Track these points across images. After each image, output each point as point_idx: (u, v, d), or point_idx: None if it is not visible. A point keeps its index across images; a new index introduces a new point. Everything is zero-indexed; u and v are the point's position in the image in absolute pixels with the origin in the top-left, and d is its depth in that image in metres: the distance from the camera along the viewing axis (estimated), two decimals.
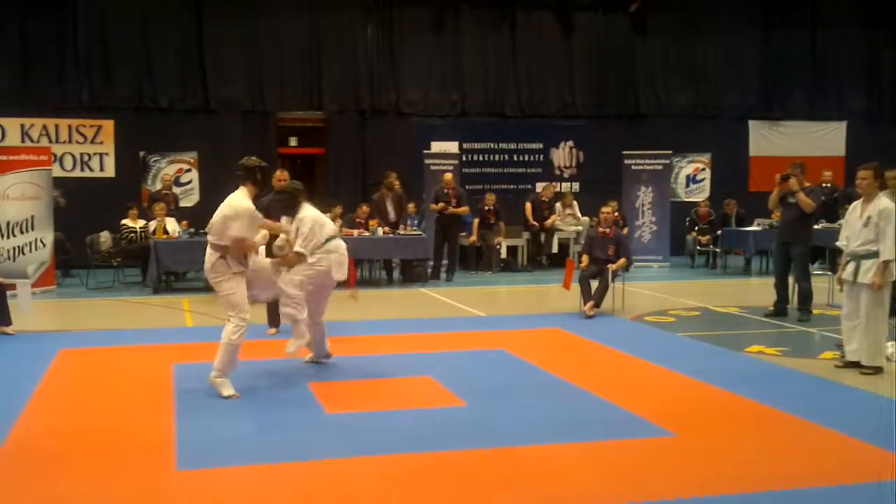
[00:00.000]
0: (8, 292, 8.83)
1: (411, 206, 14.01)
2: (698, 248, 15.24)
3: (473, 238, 14.34)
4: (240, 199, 6.30)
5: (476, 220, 14.37)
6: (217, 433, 5.39)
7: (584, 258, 10.25)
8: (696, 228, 15.28)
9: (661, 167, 15.80)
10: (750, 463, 4.89)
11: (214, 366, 6.20)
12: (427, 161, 14.73)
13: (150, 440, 5.26)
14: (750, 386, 6.54)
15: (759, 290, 11.85)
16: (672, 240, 15.68)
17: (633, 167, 15.71)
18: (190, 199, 14.95)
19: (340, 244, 7.05)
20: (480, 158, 16.61)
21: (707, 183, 17.69)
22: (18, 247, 11.62)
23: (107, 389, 6.54)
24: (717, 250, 14.93)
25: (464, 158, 15.83)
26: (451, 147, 15.79)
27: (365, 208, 13.32)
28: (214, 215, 6.31)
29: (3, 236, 11.52)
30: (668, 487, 4.50)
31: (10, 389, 6.42)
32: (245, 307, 6.27)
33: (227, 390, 6.17)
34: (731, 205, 15.52)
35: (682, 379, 6.91)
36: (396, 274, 13.52)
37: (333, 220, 12.87)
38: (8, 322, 8.66)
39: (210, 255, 6.29)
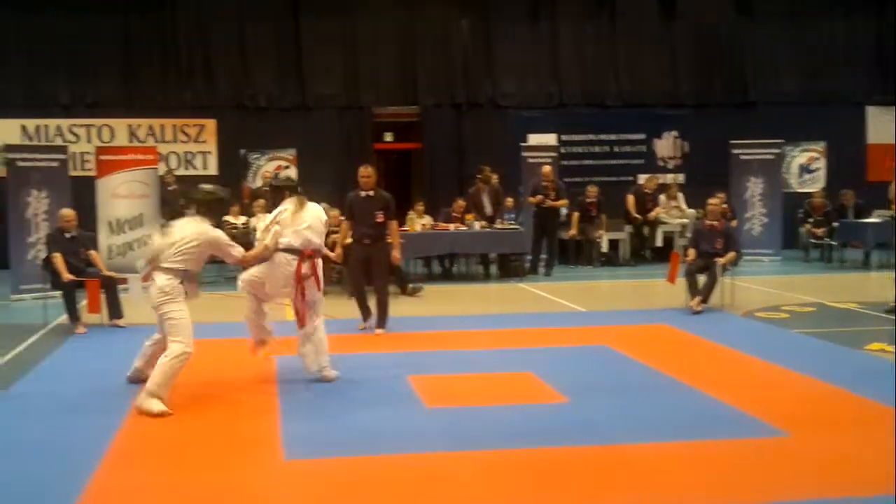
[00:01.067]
0: (119, 286, 9.15)
1: (509, 200, 13.83)
2: (812, 241, 14.56)
3: (573, 232, 14.06)
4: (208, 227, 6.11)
5: (576, 214, 14.07)
6: (321, 425, 5.42)
7: (691, 252, 9.89)
8: (811, 220, 14.59)
9: (771, 157, 15.14)
10: (869, 465, 4.61)
11: (148, 385, 5.77)
12: (524, 154, 14.52)
13: (256, 431, 5.34)
14: (870, 385, 6.17)
15: (879, 284, 11.20)
16: (784, 233, 15.04)
17: (741, 157, 15.10)
18: None
19: (287, 259, 6.40)
20: (580, 150, 16.30)
21: (822, 173, 16.87)
22: (128, 243, 12.07)
23: (213, 381, 6.65)
24: (834, 243, 14.22)
25: (562, 150, 15.56)
26: (549, 139, 15.56)
27: (461, 202, 13.23)
28: (179, 242, 5.97)
29: (113, 233, 11.98)
30: (781, 489, 4.31)
31: (122, 380, 6.60)
32: (191, 334, 5.96)
33: (158, 407, 5.67)
34: (848, 195, 14.72)
35: (795, 377, 6.60)
36: (493, 269, 13.38)
37: (418, 216, 12.88)
38: (120, 315, 8.99)
39: (163, 279, 5.92)
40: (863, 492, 4.21)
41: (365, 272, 8.49)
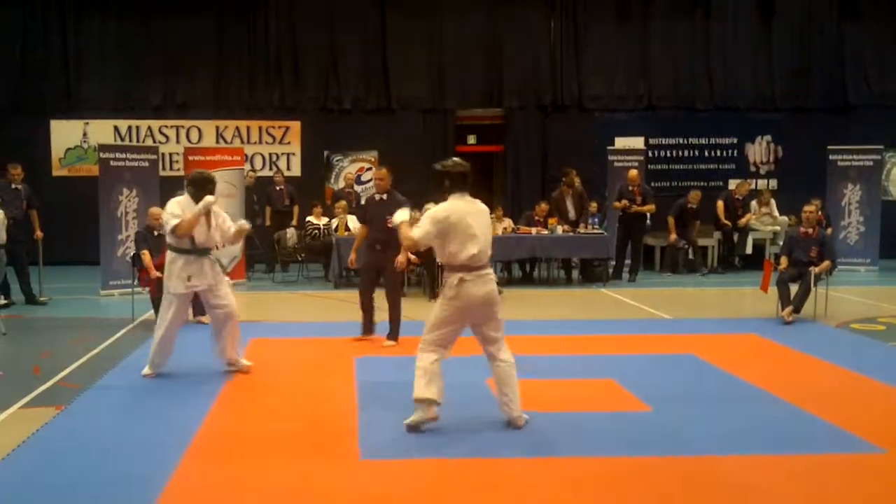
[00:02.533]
0: None
1: (593, 204, 13.58)
2: None
3: (673, 237, 13.71)
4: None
5: (671, 219, 13.70)
6: (398, 426, 5.36)
7: (784, 260, 9.51)
8: None
9: (871, 163, 14.47)
10: None
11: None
12: (610, 157, 14.26)
13: (334, 430, 5.35)
14: None
15: None
16: (882, 242, 14.37)
17: (839, 163, 14.49)
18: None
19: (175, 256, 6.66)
20: (668, 154, 15.92)
21: None
22: None
23: (293, 379, 6.72)
24: None
25: (650, 154, 15.21)
26: (637, 143, 15.24)
27: (543, 206, 13.06)
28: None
29: None
30: None
31: (207, 376, 6.73)
32: None
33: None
34: None
35: (892, 391, 6.29)
36: (576, 274, 13.15)
37: (497, 220, 12.68)
38: (204, 312, 9.09)
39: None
40: None
41: (376, 279, 8.13)
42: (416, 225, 5.39)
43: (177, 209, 6.56)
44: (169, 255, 6.73)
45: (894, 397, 6.13)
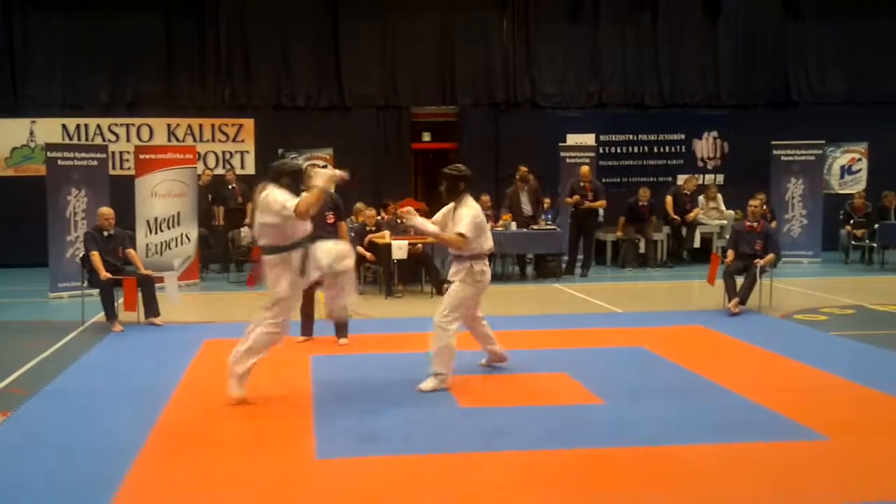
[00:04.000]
0: (156, 285, 9.23)
1: (546, 201, 13.77)
2: (853, 242, 14.33)
3: (620, 233, 14.00)
4: None
5: (622, 218, 13.99)
6: (354, 424, 5.42)
7: (730, 253, 9.77)
8: (851, 222, 14.36)
9: (813, 158, 14.90)
10: None
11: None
12: (563, 154, 14.45)
13: (290, 429, 5.36)
14: None
15: None
16: (824, 234, 14.79)
17: (782, 158, 14.88)
18: None
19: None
20: (618, 151, 16.19)
21: (863, 174, 16.58)
22: (165, 241, 12.21)
23: (248, 379, 6.66)
24: (875, 245, 13.97)
25: (601, 151, 15.46)
26: (588, 139, 15.48)
27: (484, 198, 13.07)
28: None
29: (151, 231, 12.13)
30: (820, 493, 4.27)
31: (160, 376, 6.71)
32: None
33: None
34: (889, 197, 14.46)
35: (835, 380, 6.51)
36: (530, 269, 13.32)
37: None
38: (156, 313, 9.07)
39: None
40: None
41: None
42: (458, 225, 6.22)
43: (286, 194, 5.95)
44: (273, 258, 5.89)
45: (836, 386, 6.34)
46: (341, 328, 7.98)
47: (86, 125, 15.11)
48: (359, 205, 12.50)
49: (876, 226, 13.92)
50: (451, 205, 6.44)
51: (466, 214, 6.23)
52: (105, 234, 9.13)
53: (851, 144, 16.52)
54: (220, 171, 14.98)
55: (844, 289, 11.42)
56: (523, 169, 13.13)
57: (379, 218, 12.11)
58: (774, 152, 14.89)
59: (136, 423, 5.42)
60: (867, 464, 4.63)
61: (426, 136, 16.41)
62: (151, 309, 9.05)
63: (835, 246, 14.90)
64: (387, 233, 11.47)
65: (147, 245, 12.00)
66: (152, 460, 4.80)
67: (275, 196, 5.75)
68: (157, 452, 4.94)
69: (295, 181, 5.91)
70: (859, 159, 16.63)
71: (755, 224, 9.80)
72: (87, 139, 14.91)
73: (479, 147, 15.84)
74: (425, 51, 15.75)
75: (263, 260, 5.91)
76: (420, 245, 11.25)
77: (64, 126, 15.04)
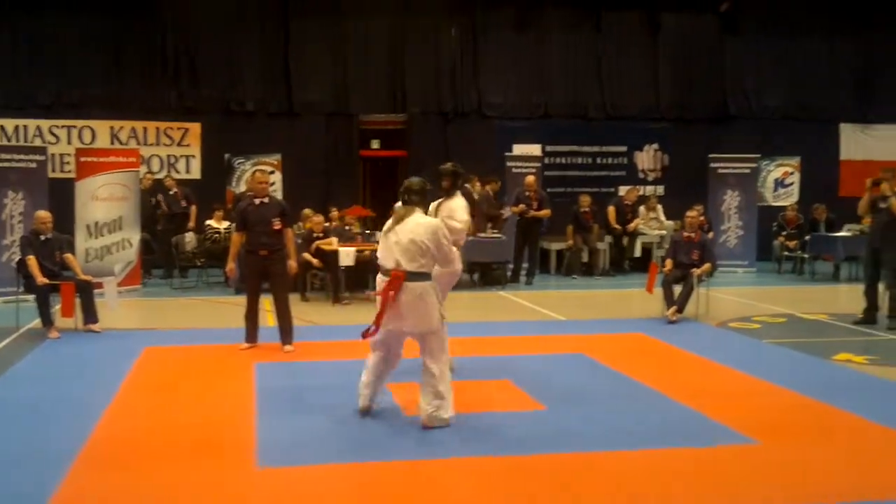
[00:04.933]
0: (95, 290, 9.08)
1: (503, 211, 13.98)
2: (786, 253, 14.82)
3: (570, 242, 14.25)
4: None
5: (570, 226, 14.26)
6: (297, 432, 5.42)
7: (668, 262, 10.05)
8: (784, 233, 14.86)
9: (748, 171, 15.39)
10: (836, 473, 4.75)
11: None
12: (509, 163, 14.67)
13: (231, 438, 5.33)
14: (837, 394, 6.34)
15: (849, 296, 11.47)
16: (759, 245, 15.29)
17: (719, 170, 15.34)
18: None
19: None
20: (563, 161, 16.48)
21: (796, 187, 17.17)
22: (106, 246, 12.01)
23: (189, 387, 6.66)
24: (805, 256, 14.48)
25: (546, 161, 15.73)
26: (534, 150, 15.72)
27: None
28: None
29: (91, 236, 11.90)
30: (751, 496, 4.42)
31: (98, 385, 6.60)
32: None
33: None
34: (820, 209, 15.01)
35: (766, 386, 6.74)
36: (475, 277, 13.46)
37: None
38: (95, 319, 8.90)
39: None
40: (829, 499, 4.33)
41: (261, 285, 7.96)
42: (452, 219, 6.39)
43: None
44: (429, 285, 5.47)
45: (768, 392, 6.56)
46: (286, 335, 7.98)
47: (25, 126, 14.82)
48: (306, 211, 12.52)
49: (807, 237, 14.43)
50: (438, 201, 6.61)
51: (459, 204, 6.61)
52: (42, 238, 8.91)
53: (785, 158, 17.10)
54: (164, 174, 14.81)
55: (777, 298, 11.81)
56: (472, 179, 13.23)
57: (326, 224, 12.15)
58: (712, 165, 15.34)
59: (71, 433, 5.31)
60: (795, 468, 4.81)
61: (375, 144, 16.47)
62: (90, 315, 8.87)
63: (768, 256, 15.37)
64: (334, 239, 11.51)
65: (87, 250, 11.80)
66: (87, 471, 4.70)
67: (459, 209, 6.27)
68: (92, 463, 4.83)
69: (424, 197, 5.73)
70: (792, 173, 17.22)
71: (692, 235, 10.10)
72: (26, 141, 14.60)
73: (428, 155, 15.88)
74: (375, 59, 15.83)
75: (405, 287, 5.37)
76: (367, 252, 11.32)
77: (2, 127, 14.73)
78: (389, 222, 5.61)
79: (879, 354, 8.00)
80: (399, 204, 5.75)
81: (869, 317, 9.55)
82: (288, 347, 7.92)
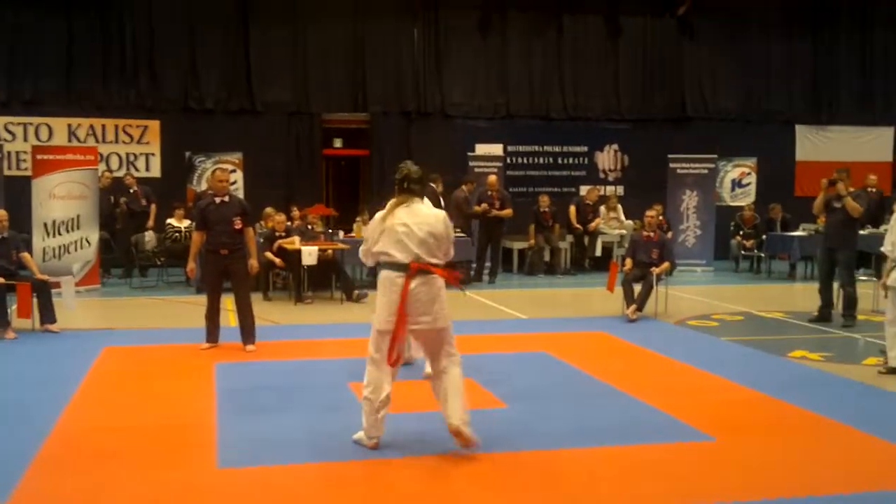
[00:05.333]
0: (53, 290, 8.94)
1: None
2: (743, 252, 15.08)
3: (532, 242, 14.36)
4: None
5: (531, 225, 14.36)
6: (258, 432, 5.41)
7: (628, 262, 10.19)
8: (741, 233, 15.11)
9: (706, 171, 15.64)
10: (791, 468, 4.85)
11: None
12: (471, 163, 14.75)
13: (191, 438, 5.30)
14: (792, 391, 6.48)
15: (804, 295, 11.71)
16: (716, 244, 15.55)
17: (678, 171, 15.57)
18: None
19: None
20: (525, 161, 16.60)
21: (752, 187, 17.49)
22: (64, 245, 11.84)
23: (149, 387, 6.60)
24: (762, 255, 14.75)
25: (508, 161, 15.83)
26: (496, 149, 15.80)
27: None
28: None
29: (48, 235, 11.73)
30: (707, 492, 4.49)
31: (55, 386, 6.53)
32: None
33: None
34: (776, 209, 15.30)
35: (723, 383, 6.87)
36: None
37: (364, 223, 12.83)
38: (53, 320, 8.79)
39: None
40: (784, 494, 4.42)
41: (221, 285, 7.89)
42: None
43: None
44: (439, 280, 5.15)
45: (725, 388, 6.69)
46: (248, 335, 7.93)
47: None
48: (268, 210, 12.47)
49: (764, 237, 14.70)
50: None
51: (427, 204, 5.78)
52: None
53: (742, 159, 17.41)
54: (123, 173, 14.63)
55: (734, 296, 12.03)
56: (437, 178, 13.28)
57: (288, 223, 12.11)
58: (671, 165, 15.57)
59: (28, 435, 5.24)
60: (751, 463, 4.91)
61: (338, 143, 16.43)
62: (47, 315, 8.75)
63: (726, 255, 15.64)
64: (296, 238, 11.48)
65: (44, 249, 11.64)
66: (43, 474, 4.65)
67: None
68: (49, 466, 4.77)
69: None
70: (749, 173, 17.54)
71: (652, 234, 10.24)
72: None
73: (391, 155, 15.93)
74: (337, 57, 15.78)
75: (429, 280, 5.06)
76: (330, 251, 11.32)
77: None
78: (393, 213, 5.04)
79: (834, 351, 8.18)
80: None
81: (824, 314, 9.77)
82: (250, 347, 7.88)
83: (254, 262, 7.99)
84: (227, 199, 7.86)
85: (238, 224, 7.75)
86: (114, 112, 14.98)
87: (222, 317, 8.16)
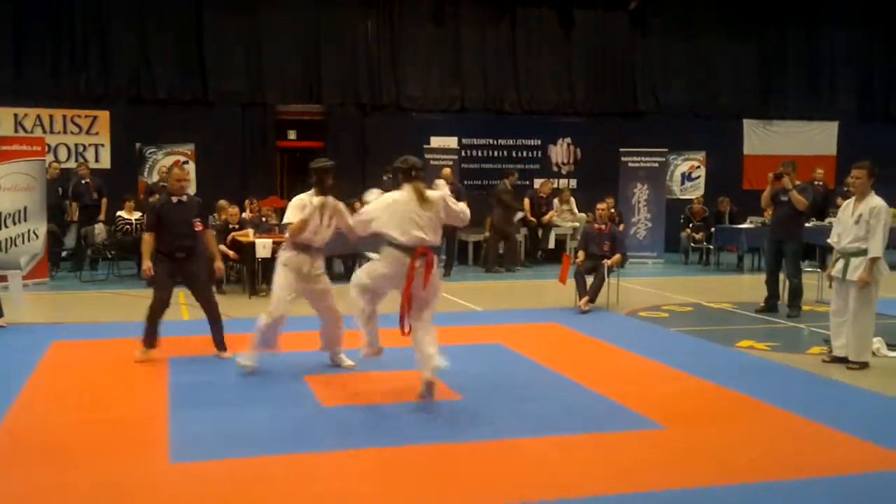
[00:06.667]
0: (0, 284, 8.81)
1: None
2: (692, 244, 15.35)
3: (487, 234, 14.42)
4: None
5: (489, 219, 14.41)
6: (211, 426, 5.39)
7: (581, 254, 10.31)
8: (691, 225, 15.39)
9: (657, 165, 15.88)
10: (738, 455, 4.98)
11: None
12: (427, 156, 14.76)
13: (143, 433, 5.26)
14: (740, 380, 6.64)
15: (751, 286, 11.95)
16: (667, 237, 15.80)
17: (629, 164, 15.78)
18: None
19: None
20: (479, 154, 16.69)
21: (702, 181, 17.81)
22: (11, 238, 11.59)
23: (100, 382, 6.53)
24: (711, 247, 15.04)
25: (463, 154, 15.90)
26: (451, 142, 15.86)
27: (358, 204, 13.28)
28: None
29: None
30: (657, 478, 4.58)
31: (1, 381, 6.42)
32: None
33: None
34: (724, 202, 15.62)
35: (673, 373, 7.01)
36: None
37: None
38: (0, 314, 8.64)
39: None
40: (731, 480, 4.55)
41: (172, 288, 7.43)
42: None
43: None
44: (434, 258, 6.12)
45: (674, 378, 6.84)
46: (222, 340, 7.55)
47: None
48: (222, 202, 12.35)
49: (712, 229, 14.99)
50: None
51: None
52: None
53: (691, 153, 17.73)
54: (73, 164, 14.36)
55: (684, 288, 12.25)
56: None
57: (243, 215, 12.02)
58: (622, 159, 15.78)
59: None
60: (699, 450, 5.04)
61: (292, 135, 16.33)
62: None
63: (676, 248, 15.91)
64: (250, 231, 11.40)
65: None
66: None
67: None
68: None
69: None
70: (698, 167, 17.86)
71: (603, 226, 10.39)
72: None
73: (346, 147, 15.93)
74: (292, 48, 15.69)
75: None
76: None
77: None
78: (411, 197, 5.87)
79: (780, 341, 8.39)
80: (373, 191, 6.34)
81: (770, 305, 10.01)
82: (225, 354, 7.47)
83: (220, 265, 7.83)
84: (184, 199, 7.48)
85: (198, 226, 7.42)
86: (62, 102, 14.70)
87: (174, 311, 8.04)
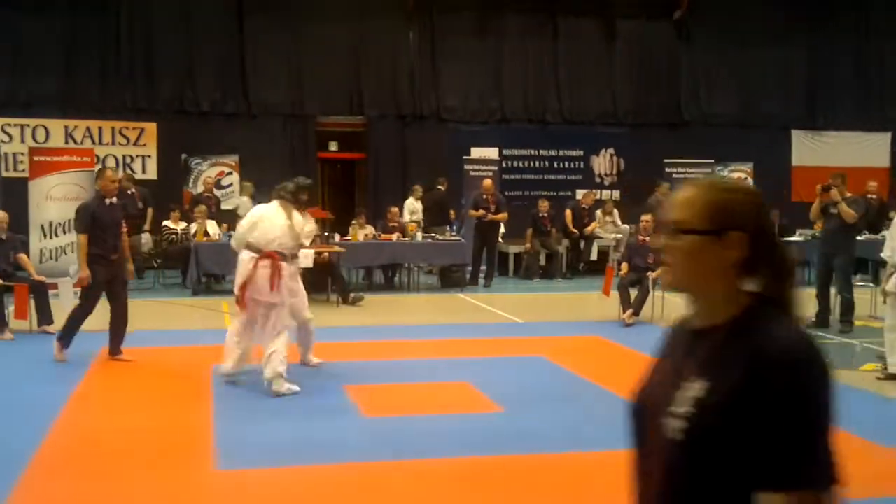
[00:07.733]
0: (50, 292, 8.93)
1: (451, 212, 14.04)
2: None
3: (528, 246, 14.35)
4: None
5: (529, 229, 14.34)
6: (255, 434, 5.42)
7: (624, 266, 10.19)
8: None
9: (702, 176, 15.63)
10: None
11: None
12: (467, 167, 14.76)
13: (189, 440, 5.31)
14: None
15: (802, 300, 11.64)
16: None
17: (674, 175, 15.58)
18: (231, 202, 15.06)
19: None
20: (520, 165, 16.61)
21: None
22: (60, 247, 11.79)
23: (146, 389, 6.61)
24: None
25: (503, 165, 15.84)
26: (491, 153, 15.81)
27: (394, 209, 13.36)
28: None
29: (45, 236, 11.68)
30: None
31: (52, 387, 6.52)
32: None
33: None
34: (773, 215, 15.28)
35: None
36: (434, 280, 13.51)
37: (360, 227, 12.86)
38: (50, 321, 8.76)
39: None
40: None
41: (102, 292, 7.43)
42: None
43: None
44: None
45: None
46: (120, 342, 7.53)
47: None
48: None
49: None
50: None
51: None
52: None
53: (738, 164, 17.43)
54: (122, 174, 14.57)
55: None
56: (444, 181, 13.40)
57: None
58: (667, 170, 15.59)
59: (26, 437, 5.22)
60: None
61: (333, 146, 16.43)
62: (44, 316, 8.75)
63: None
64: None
65: (41, 250, 11.59)
66: (41, 476, 4.65)
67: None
68: (47, 467, 4.78)
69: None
70: (745, 178, 17.54)
71: (648, 238, 10.26)
72: None
73: (386, 158, 15.99)
74: (333, 60, 15.78)
75: None
76: (326, 254, 11.29)
77: None
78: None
79: (832, 357, 8.15)
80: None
81: (821, 320, 9.74)
82: (120, 357, 7.43)
83: (131, 267, 7.96)
84: (114, 200, 7.45)
85: (126, 227, 7.56)
86: (110, 114, 14.95)
87: (217, 319, 8.13)
